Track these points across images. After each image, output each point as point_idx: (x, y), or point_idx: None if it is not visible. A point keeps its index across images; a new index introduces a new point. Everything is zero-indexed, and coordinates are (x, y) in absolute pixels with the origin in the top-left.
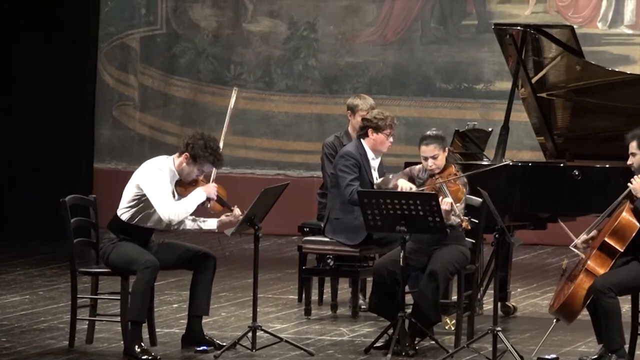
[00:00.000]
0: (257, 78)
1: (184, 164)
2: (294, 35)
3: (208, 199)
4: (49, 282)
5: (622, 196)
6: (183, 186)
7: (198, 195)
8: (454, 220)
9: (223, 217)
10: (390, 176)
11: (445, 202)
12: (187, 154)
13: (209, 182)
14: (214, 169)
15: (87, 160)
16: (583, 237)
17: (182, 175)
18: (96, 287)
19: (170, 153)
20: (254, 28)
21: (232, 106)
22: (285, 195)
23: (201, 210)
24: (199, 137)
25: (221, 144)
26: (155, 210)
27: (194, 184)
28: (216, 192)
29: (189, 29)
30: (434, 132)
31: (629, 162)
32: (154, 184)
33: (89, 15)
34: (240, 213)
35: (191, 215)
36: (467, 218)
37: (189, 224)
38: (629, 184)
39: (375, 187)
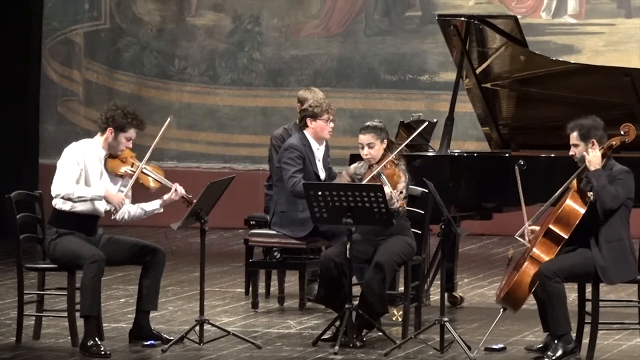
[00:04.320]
0: (202, 72)
1: (110, 139)
2: (238, 29)
3: (108, 202)
4: None
5: (567, 182)
6: (113, 162)
7: (96, 190)
8: (394, 204)
9: (165, 197)
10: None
11: (385, 193)
12: (110, 128)
13: (137, 163)
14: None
15: (32, 156)
16: (531, 227)
17: (112, 149)
18: (43, 283)
19: None
20: (197, 22)
21: (162, 131)
22: (231, 188)
23: (142, 194)
24: (115, 108)
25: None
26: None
27: (123, 159)
28: (122, 203)
29: (133, 23)
30: (375, 122)
31: (570, 153)
32: (58, 164)
33: (33, 10)
34: (183, 191)
35: (133, 203)
36: (405, 199)
37: (133, 210)
38: (584, 154)
39: None
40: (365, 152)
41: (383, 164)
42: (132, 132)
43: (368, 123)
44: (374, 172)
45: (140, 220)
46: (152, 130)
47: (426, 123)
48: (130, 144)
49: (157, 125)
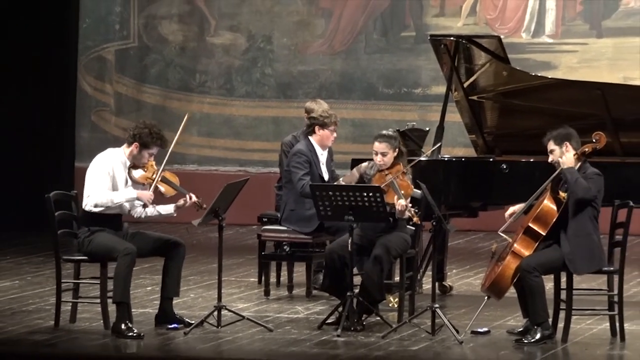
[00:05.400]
0: (220, 85)
1: (135, 152)
2: (252, 47)
3: (140, 200)
4: (36, 269)
5: (546, 182)
6: (136, 171)
7: (129, 194)
8: (407, 214)
9: (179, 202)
10: (341, 180)
11: (400, 204)
12: (136, 143)
13: (157, 170)
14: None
15: (69, 160)
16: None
17: (135, 161)
18: (78, 273)
19: None
20: (216, 41)
21: (181, 129)
22: (246, 189)
23: (158, 198)
24: (143, 126)
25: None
26: None
27: (144, 168)
28: (151, 198)
29: (159, 42)
30: (390, 132)
31: (550, 160)
32: (90, 174)
33: (69, 31)
34: (195, 198)
35: (152, 203)
36: (417, 213)
37: (149, 211)
38: (559, 159)
39: None
40: (379, 159)
41: (397, 175)
42: (154, 149)
43: (384, 132)
44: (388, 181)
45: (155, 219)
46: (172, 137)
47: (438, 144)
48: (152, 158)
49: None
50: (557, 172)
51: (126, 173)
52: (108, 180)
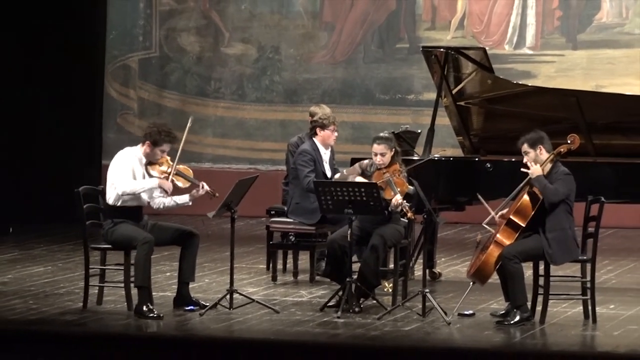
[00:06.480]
0: (233, 91)
1: (148, 151)
2: (262, 57)
3: (161, 188)
4: (67, 256)
5: (522, 183)
6: (152, 166)
7: (151, 182)
8: (401, 210)
9: (193, 192)
10: (345, 171)
11: (395, 200)
12: (148, 142)
13: (172, 164)
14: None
15: (97, 158)
16: (496, 214)
17: (149, 157)
18: (104, 260)
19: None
20: (229, 51)
21: (186, 132)
22: (256, 185)
23: (174, 189)
24: (153, 126)
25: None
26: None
27: (160, 164)
28: (170, 187)
29: (178, 52)
30: (386, 134)
31: (525, 160)
32: (113, 168)
33: (97, 42)
34: (208, 188)
35: (170, 195)
36: (412, 209)
37: (167, 202)
38: (527, 171)
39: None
40: (378, 160)
41: (393, 174)
42: (165, 146)
43: (381, 135)
44: (385, 179)
45: (173, 210)
46: (191, 137)
47: (429, 148)
48: (164, 154)
49: (197, 134)
50: (527, 180)
51: (143, 169)
52: (130, 172)
